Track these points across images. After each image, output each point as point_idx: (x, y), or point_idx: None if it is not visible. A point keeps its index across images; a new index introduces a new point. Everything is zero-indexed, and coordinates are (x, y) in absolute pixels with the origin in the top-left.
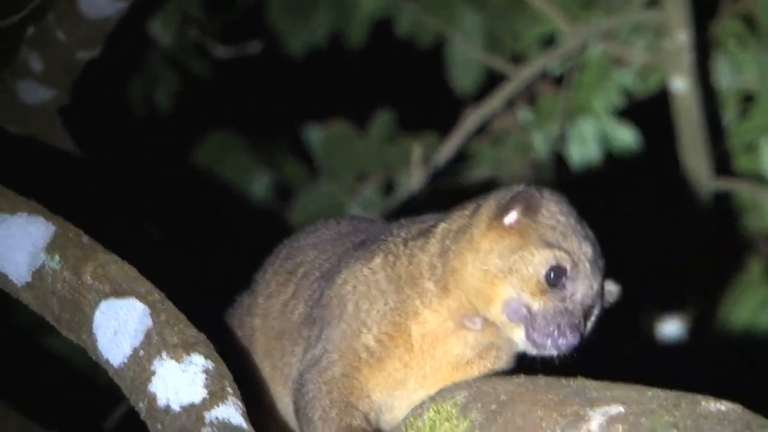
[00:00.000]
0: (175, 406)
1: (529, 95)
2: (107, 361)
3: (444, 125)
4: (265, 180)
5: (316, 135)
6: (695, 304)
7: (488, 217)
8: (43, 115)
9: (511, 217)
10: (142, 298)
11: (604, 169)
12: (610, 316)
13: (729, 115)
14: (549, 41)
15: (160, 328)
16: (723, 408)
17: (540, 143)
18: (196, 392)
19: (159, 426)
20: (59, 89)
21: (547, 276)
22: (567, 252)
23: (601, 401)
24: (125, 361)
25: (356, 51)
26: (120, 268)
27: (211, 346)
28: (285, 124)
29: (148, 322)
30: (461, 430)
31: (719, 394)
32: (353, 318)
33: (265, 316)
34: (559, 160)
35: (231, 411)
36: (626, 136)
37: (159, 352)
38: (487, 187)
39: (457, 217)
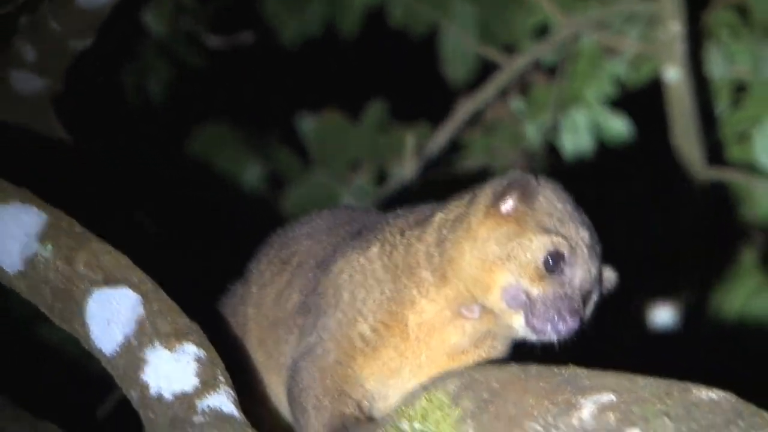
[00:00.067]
0: (167, 395)
1: (522, 85)
2: (99, 350)
3: (437, 115)
4: (257, 170)
5: (309, 125)
6: (688, 292)
7: (485, 205)
8: (37, 104)
9: (508, 205)
10: (134, 287)
11: (597, 159)
12: (607, 304)
13: (722, 105)
14: (542, 31)
15: (152, 317)
16: (715, 396)
17: (533, 133)
18: (188, 381)
19: (151, 414)
20: (52, 79)
21: (546, 262)
22: (564, 237)
23: (593, 389)
24: (117, 350)
25: (349, 41)
26: (113, 258)
27: (204, 335)
28: (278, 114)
29: (141, 311)
30: (453, 418)
31: (711, 382)
32: (349, 306)
33: (258, 305)
34: (552, 149)
35: (223, 399)
36: (619, 126)
37: (151, 341)
38: (480, 176)
39: (454, 207)
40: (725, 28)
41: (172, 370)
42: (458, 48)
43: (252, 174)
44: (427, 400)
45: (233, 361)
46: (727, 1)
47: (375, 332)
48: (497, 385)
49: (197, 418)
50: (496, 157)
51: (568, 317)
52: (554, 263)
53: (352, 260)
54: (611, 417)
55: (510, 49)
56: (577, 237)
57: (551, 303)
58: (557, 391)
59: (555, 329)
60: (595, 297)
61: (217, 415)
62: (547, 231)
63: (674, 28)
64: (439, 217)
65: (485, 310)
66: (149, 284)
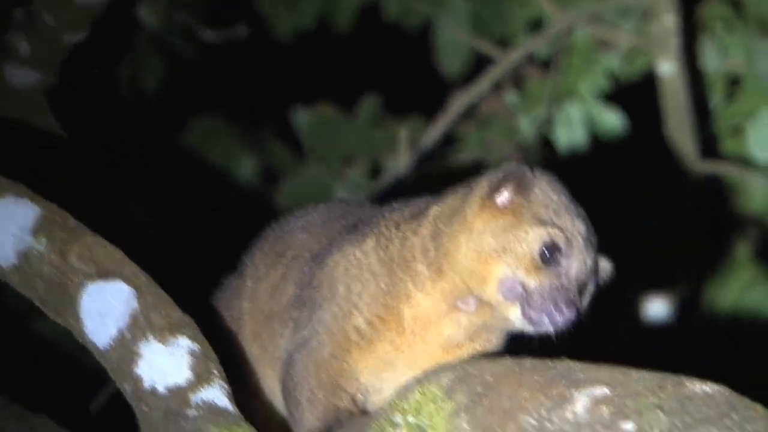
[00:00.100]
0: (161, 388)
1: (516, 79)
2: (93, 344)
3: (431, 109)
4: (252, 163)
5: (303, 119)
6: (682, 286)
7: (481, 198)
8: (31, 98)
9: (504, 197)
10: (128, 280)
11: (591, 152)
12: (604, 295)
13: (715, 98)
14: (536, 25)
15: (146, 310)
16: (708, 390)
17: (527, 127)
18: (182, 374)
19: (145, 407)
20: (47, 72)
21: (542, 253)
22: (560, 229)
23: (587, 383)
24: (111, 343)
25: (344, 35)
26: (106, 251)
27: (197, 328)
28: (272, 108)
29: (134, 304)
30: (446, 411)
31: (705, 375)
32: (344, 300)
33: (253, 298)
34: (546, 143)
35: (217, 393)
36: (613, 120)
37: (145, 335)
38: (474, 170)
39: (450, 200)
40: (719, 21)
41: (166, 363)
42: (452, 42)
43: (246, 168)
44: (420, 393)
45: (227, 355)
46: None
47: (370, 325)
48: (491, 379)
49: (191, 412)
50: (490, 151)
51: (564, 308)
52: (550, 255)
53: (348, 253)
54: (605, 410)
55: (504, 42)
56: (573, 228)
57: (548, 294)
58: (551, 385)
59: (552, 320)
60: (591, 288)
61: (211, 409)
62: (543, 222)
63: (668, 21)
64: (434, 210)
65: (481, 303)
66: (143, 278)
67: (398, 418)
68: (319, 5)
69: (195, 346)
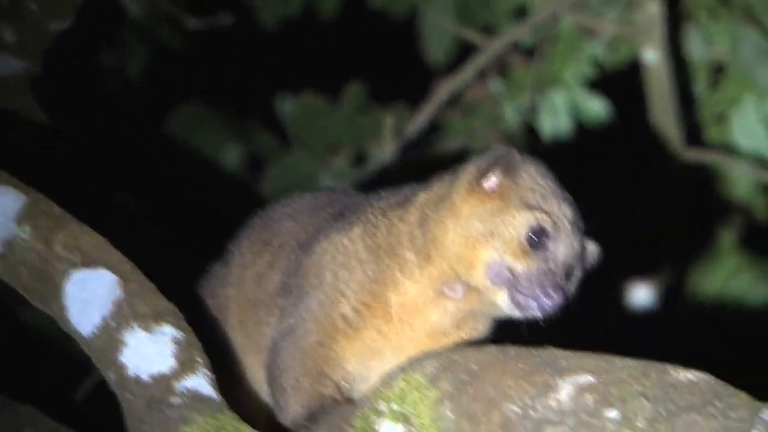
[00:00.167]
0: (145, 376)
1: (501, 67)
2: (77, 332)
3: (416, 97)
4: (237, 151)
5: (288, 107)
6: (667, 273)
7: (468, 183)
8: (15, 86)
9: (492, 181)
10: (112, 268)
11: (575, 140)
12: (591, 279)
13: (700, 86)
14: (521, 12)
15: (130, 298)
16: (693, 377)
17: (512, 114)
18: (166, 362)
19: (129, 395)
20: (31, 60)
21: (529, 237)
22: (547, 213)
23: (571, 371)
24: (95, 331)
25: (329, 22)
26: (91, 239)
27: (182, 316)
28: (257, 96)
29: (119, 292)
30: (431, 399)
31: (689, 363)
32: (331, 287)
33: (239, 286)
34: (531, 131)
35: (201, 381)
36: (597, 107)
37: (129, 323)
38: (459, 158)
39: (436, 186)
40: (703, 9)
41: (150, 351)
42: (437, 29)
43: (231, 156)
44: (404, 381)
45: (212, 343)
46: None
47: (357, 313)
48: (476, 367)
49: (175, 400)
50: (475, 139)
51: (552, 292)
52: (537, 239)
53: (335, 241)
54: (589, 398)
55: (489, 30)
56: (560, 212)
57: (535, 278)
58: (535, 373)
59: (539, 305)
60: (578, 272)
61: (195, 397)
62: (530, 207)
63: (653, 9)
64: (421, 197)
65: (468, 289)
66: (127, 265)
67: (382, 406)
68: None
69: (179, 334)
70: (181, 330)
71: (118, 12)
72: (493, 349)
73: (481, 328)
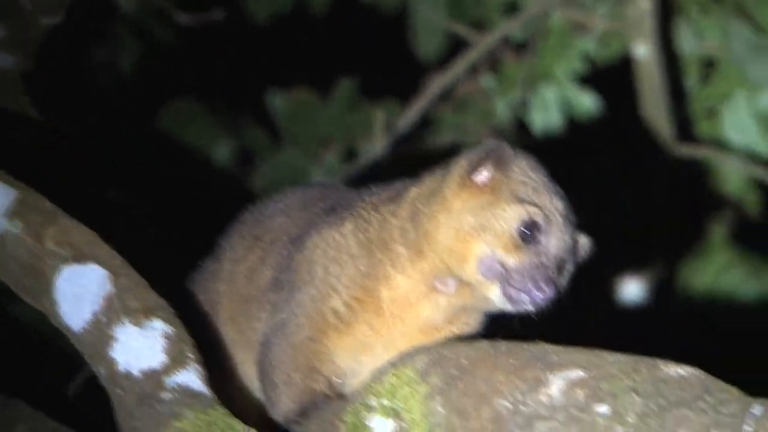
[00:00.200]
0: (136, 372)
1: (492, 62)
2: (68, 327)
3: (407, 92)
4: (228, 147)
5: (279, 102)
6: (657, 268)
7: (460, 176)
8: (6, 81)
9: (483, 175)
10: (103, 263)
11: (566, 135)
12: (583, 272)
13: (691, 81)
14: (512, 8)
15: (120, 293)
16: (683, 372)
17: (503, 109)
18: (157, 357)
19: (119, 391)
20: (22, 55)
21: (521, 231)
22: (539, 207)
23: (562, 366)
24: (86, 326)
25: (320, 17)
26: (81, 234)
27: (172, 311)
28: (248, 91)
29: (109, 287)
30: (421, 394)
31: (680, 358)
32: (322, 282)
33: (230, 281)
34: (522, 126)
35: (192, 376)
36: (588, 102)
37: (119, 318)
38: (450, 153)
39: (428, 181)
40: (695, 4)
41: (141, 346)
42: (428, 24)
43: (222, 151)
44: (395, 376)
45: (204, 338)
46: None
47: (348, 308)
48: (466, 362)
49: (165, 395)
50: (466, 134)
51: (544, 286)
52: (529, 232)
53: (327, 236)
54: (580, 393)
55: (480, 25)
56: (552, 206)
57: (527, 272)
58: (526, 368)
59: (531, 298)
60: (570, 266)
61: (186, 392)
62: (521, 200)
63: (644, 4)
64: (413, 192)
65: (461, 284)
66: (118, 261)
67: (373, 402)
68: None
69: (170, 329)
70: (172, 325)
71: (109, 7)
72: (483, 344)
73: (472, 323)
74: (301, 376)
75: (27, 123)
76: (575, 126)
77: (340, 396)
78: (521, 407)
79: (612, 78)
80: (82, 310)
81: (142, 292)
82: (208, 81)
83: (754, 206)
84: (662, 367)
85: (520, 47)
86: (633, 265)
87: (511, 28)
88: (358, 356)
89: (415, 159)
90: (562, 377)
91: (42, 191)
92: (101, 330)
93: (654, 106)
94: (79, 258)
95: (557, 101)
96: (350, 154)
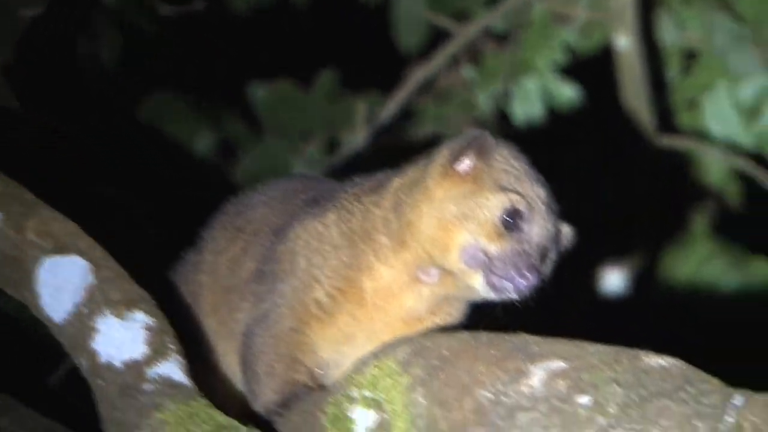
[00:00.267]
0: (117, 363)
1: (474, 53)
2: (49, 318)
3: (389, 83)
4: (209, 139)
5: (260, 93)
6: (639, 258)
7: (442, 166)
8: None
9: (465, 164)
10: (84, 254)
11: (548, 126)
12: (566, 261)
13: (672, 72)
14: None
15: (102, 284)
16: (664, 363)
17: (484, 101)
18: (138, 349)
19: (101, 382)
20: (3, 47)
21: (503, 219)
22: (521, 195)
23: (543, 357)
24: (67, 317)
25: (301, 8)
26: (62, 225)
27: (154, 302)
28: (230, 83)
29: (91, 279)
30: (403, 385)
31: (661, 349)
32: (305, 272)
33: (212, 272)
34: (503, 117)
35: (173, 368)
36: (569, 93)
37: (101, 309)
38: (431, 144)
39: (410, 171)
40: None
41: (122, 338)
42: (410, 16)
43: (203, 143)
44: (377, 367)
45: (185, 330)
46: None
47: (331, 298)
48: (447, 353)
49: (147, 386)
50: (448, 126)
51: (527, 273)
52: (512, 220)
53: (309, 227)
54: (561, 384)
55: (461, 17)
56: (534, 194)
57: (510, 260)
58: (507, 359)
59: (515, 286)
60: (552, 254)
61: (167, 383)
62: (503, 189)
63: None
64: (395, 182)
65: (444, 274)
66: (99, 251)
67: (355, 393)
68: None
69: (151, 321)
70: (154, 316)
71: None
72: (464, 335)
73: (455, 314)
74: (283, 367)
75: (8, 115)
76: (557, 117)
77: (322, 387)
78: (503, 398)
79: (593, 69)
80: (63, 301)
81: (123, 284)
82: (189, 72)
83: (735, 197)
84: (643, 357)
85: (502, 38)
86: (614, 255)
87: (493, 19)
88: (341, 347)
89: (396, 150)
90: (544, 368)
91: (23, 182)
92: (83, 321)
93: (635, 97)
94: (61, 249)
95: (539, 92)
96: (332, 146)
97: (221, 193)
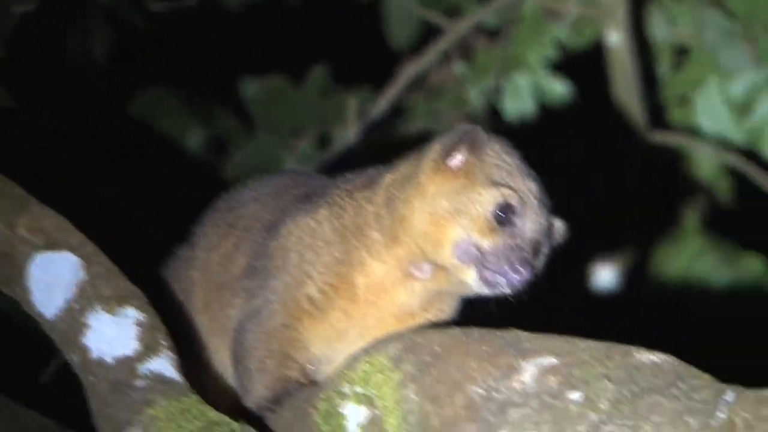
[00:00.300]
0: (109, 359)
1: (465, 49)
2: (41, 314)
3: (380, 79)
4: (200, 134)
5: (252, 89)
6: (630, 254)
7: (434, 161)
8: None
9: (457, 159)
10: (75, 250)
11: (539, 122)
12: (558, 256)
13: (663, 68)
14: None
15: (93, 280)
16: (656, 359)
17: (476, 97)
18: (130, 345)
19: (92, 378)
20: None
21: (496, 214)
22: (513, 189)
23: (535, 353)
24: (58, 313)
25: (293, 4)
26: (53, 221)
27: (145, 298)
28: (221, 78)
29: (82, 274)
30: (394, 381)
31: (653, 345)
32: (297, 268)
33: (204, 269)
34: (495, 113)
35: (165, 364)
36: (561, 89)
37: (92, 305)
38: (423, 140)
39: (402, 167)
40: None
41: (114, 334)
42: (401, 11)
43: (194, 138)
44: (368, 363)
45: (177, 326)
46: None
47: (323, 294)
48: (439, 349)
49: (138, 382)
50: (439, 121)
51: (520, 268)
52: (504, 215)
53: (301, 222)
54: (553, 380)
55: (453, 12)
56: (526, 189)
57: (503, 255)
58: (499, 355)
59: (508, 281)
60: (545, 249)
61: (159, 379)
62: (495, 183)
63: None
64: (387, 178)
65: (436, 269)
66: (90, 248)
67: (346, 389)
68: None
69: (142, 317)
70: (145, 312)
71: None
72: (456, 331)
73: (447, 310)
74: (275, 363)
75: (3, 114)
76: (548, 113)
77: (314, 383)
78: (494, 394)
79: (585, 65)
80: (54, 297)
81: (115, 280)
82: (181, 68)
83: (726, 193)
84: (635, 353)
85: (493, 34)
86: (605, 251)
87: (484, 15)
88: (333, 343)
89: (388, 146)
90: (535, 364)
91: (14, 178)
92: (74, 317)
93: (626, 93)
94: (52, 245)
95: (530, 88)
96: (323, 142)
97: (213, 189)
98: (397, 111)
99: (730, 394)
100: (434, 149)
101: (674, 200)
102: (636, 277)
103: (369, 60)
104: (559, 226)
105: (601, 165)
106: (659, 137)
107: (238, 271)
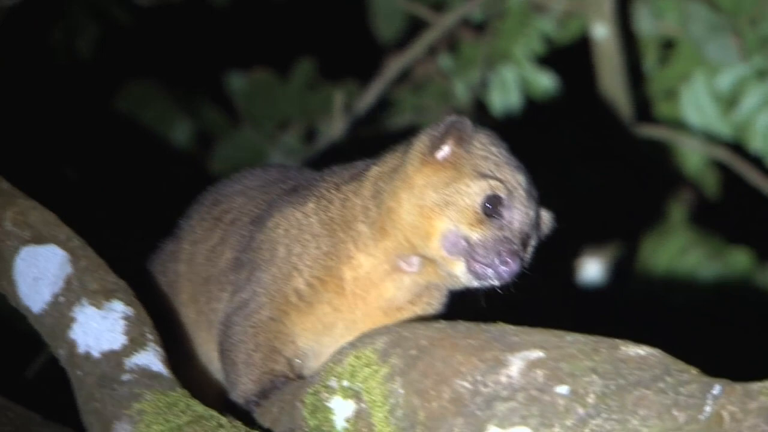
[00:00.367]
0: (95, 353)
1: (451, 42)
2: (27, 308)
3: (366, 73)
4: (186, 128)
5: (238, 83)
6: (617, 248)
7: (421, 153)
8: None
9: (444, 151)
10: (62, 244)
11: (525, 115)
12: (546, 247)
13: (649, 62)
14: None
15: (80, 274)
16: (642, 352)
17: (461, 90)
18: (116, 339)
19: (79, 372)
20: None
21: (484, 206)
22: (501, 181)
23: (521, 346)
24: (45, 307)
25: None
26: (40, 215)
27: (132, 292)
28: (207, 72)
29: (69, 268)
30: (381, 375)
31: (640, 338)
32: (284, 261)
33: (190, 262)
34: (481, 106)
35: (151, 358)
36: (547, 83)
37: (79, 299)
38: (408, 134)
39: (389, 159)
40: None
41: (100, 328)
42: (387, 5)
43: (180, 132)
44: (355, 357)
45: (163, 320)
46: None
47: (310, 287)
48: (426, 343)
49: (125, 376)
50: (424, 115)
51: (509, 259)
52: (492, 207)
53: (288, 215)
54: (539, 374)
55: (439, 6)
56: (514, 180)
57: (491, 246)
58: (485, 348)
59: (497, 272)
60: (533, 241)
61: (145, 373)
62: (483, 175)
63: None
64: (374, 170)
65: (425, 262)
66: (77, 241)
67: (333, 383)
68: None
69: (129, 311)
70: (132, 306)
71: None
72: (442, 325)
73: (435, 304)
74: (262, 357)
75: None
76: (534, 106)
77: (301, 377)
78: (481, 388)
79: (571, 59)
80: (41, 291)
81: (101, 274)
82: (166, 62)
83: (712, 187)
84: (622, 347)
85: (479, 28)
86: (592, 245)
87: (470, 8)
88: (320, 337)
89: (374, 140)
90: (522, 358)
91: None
92: (61, 311)
93: (613, 87)
94: (38, 239)
95: (516, 82)
96: (309, 135)
97: (199, 183)
98: (384, 105)
99: (717, 387)
100: (421, 141)
101: (661, 194)
102: (623, 271)
103: (355, 54)
104: (546, 217)
105: (587, 159)
106: (646, 131)
107: (224, 264)
